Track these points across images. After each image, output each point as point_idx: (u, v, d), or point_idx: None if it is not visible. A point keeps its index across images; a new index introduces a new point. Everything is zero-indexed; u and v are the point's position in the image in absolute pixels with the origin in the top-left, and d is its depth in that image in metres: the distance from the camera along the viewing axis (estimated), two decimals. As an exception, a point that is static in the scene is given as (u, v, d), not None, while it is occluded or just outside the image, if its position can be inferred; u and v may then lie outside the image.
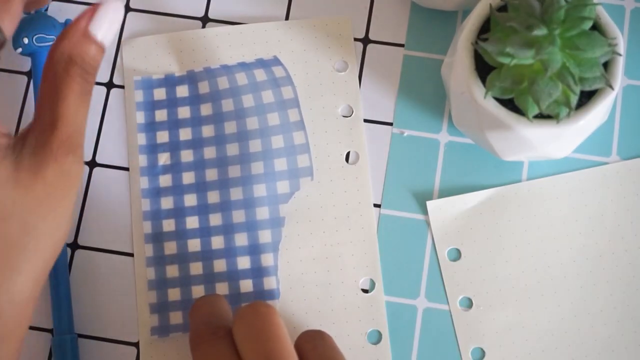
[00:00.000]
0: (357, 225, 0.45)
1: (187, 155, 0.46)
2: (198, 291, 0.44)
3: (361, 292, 0.44)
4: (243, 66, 0.47)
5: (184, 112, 0.47)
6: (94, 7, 0.36)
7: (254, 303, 0.36)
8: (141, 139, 0.47)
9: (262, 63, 0.47)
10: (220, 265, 0.45)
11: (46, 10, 0.49)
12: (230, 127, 0.46)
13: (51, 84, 0.34)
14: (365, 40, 0.48)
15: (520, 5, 0.38)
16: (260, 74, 0.47)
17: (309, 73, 0.47)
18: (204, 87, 0.47)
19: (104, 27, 0.36)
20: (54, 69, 0.34)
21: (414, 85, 0.47)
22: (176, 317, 0.44)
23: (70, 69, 0.34)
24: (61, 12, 0.49)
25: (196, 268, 0.45)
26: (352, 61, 0.48)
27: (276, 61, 0.47)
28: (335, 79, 0.47)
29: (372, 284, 0.44)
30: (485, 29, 0.40)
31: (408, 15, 0.48)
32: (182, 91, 0.47)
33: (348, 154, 0.46)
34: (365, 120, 0.47)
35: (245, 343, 0.35)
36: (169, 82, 0.47)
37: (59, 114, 0.34)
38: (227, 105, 0.46)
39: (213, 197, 0.45)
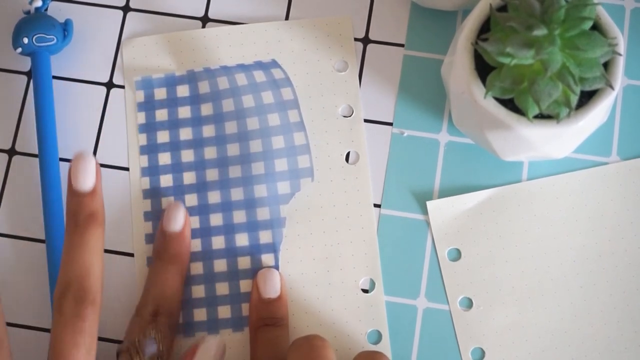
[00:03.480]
0: (357, 225, 0.45)
1: (187, 155, 0.46)
2: (198, 291, 0.44)
3: (361, 292, 0.44)
4: (242, 67, 0.47)
5: (184, 111, 0.47)
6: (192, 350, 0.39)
7: (310, 336, 0.39)
8: (142, 139, 0.47)
9: (260, 65, 0.47)
10: (220, 265, 0.45)
11: (46, 9, 0.49)
12: (230, 127, 0.46)
13: None
14: (365, 40, 0.48)
15: (520, 5, 0.38)
16: (259, 75, 0.47)
17: (309, 73, 0.47)
18: (204, 87, 0.47)
19: None
20: None
21: (414, 85, 0.47)
22: (176, 317, 0.44)
23: None
24: (61, 12, 0.49)
25: (196, 268, 0.45)
26: (352, 61, 0.48)
27: (274, 64, 0.47)
28: (335, 79, 0.47)
29: (372, 284, 0.44)
30: (485, 29, 0.40)
31: (408, 15, 0.48)
32: (183, 91, 0.47)
33: (348, 154, 0.46)
34: (365, 120, 0.47)
35: None
36: (169, 81, 0.47)
37: None
38: (228, 105, 0.46)
39: (214, 197, 0.45)
